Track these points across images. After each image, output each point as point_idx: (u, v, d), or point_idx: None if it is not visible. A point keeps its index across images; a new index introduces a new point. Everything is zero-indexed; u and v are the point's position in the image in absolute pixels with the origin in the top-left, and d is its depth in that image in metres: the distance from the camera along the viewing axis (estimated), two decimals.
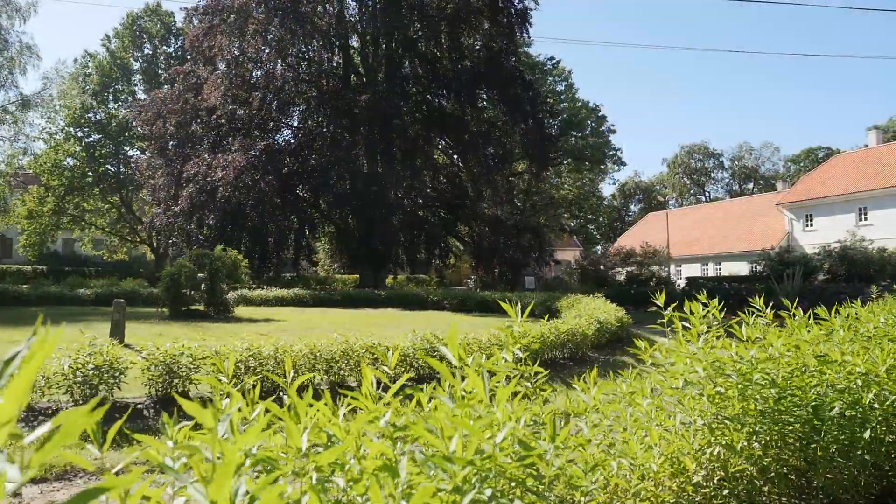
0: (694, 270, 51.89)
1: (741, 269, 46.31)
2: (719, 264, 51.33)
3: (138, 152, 39.79)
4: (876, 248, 27.68)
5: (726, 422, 2.63)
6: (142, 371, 6.52)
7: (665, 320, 3.07)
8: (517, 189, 35.76)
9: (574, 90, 40.60)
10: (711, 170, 77.17)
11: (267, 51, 27.36)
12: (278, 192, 26.53)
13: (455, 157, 30.18)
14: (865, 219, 41.00)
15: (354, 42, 30.28)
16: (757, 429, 2.67)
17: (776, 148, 77.91)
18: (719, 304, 3.04)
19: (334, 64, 29.96)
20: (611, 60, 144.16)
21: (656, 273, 34.10)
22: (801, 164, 70.15)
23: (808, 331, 3.21)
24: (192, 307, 16.19)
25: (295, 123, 29.59)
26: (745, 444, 2.57)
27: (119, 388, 6.46)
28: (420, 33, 28.61)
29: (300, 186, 28.07)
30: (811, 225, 44.91)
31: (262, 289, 22.40)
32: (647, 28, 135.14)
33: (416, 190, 28.76)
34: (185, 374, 6.51)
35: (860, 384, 2.88)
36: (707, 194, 77.50)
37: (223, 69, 27.83)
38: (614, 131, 39.94)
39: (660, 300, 3.30)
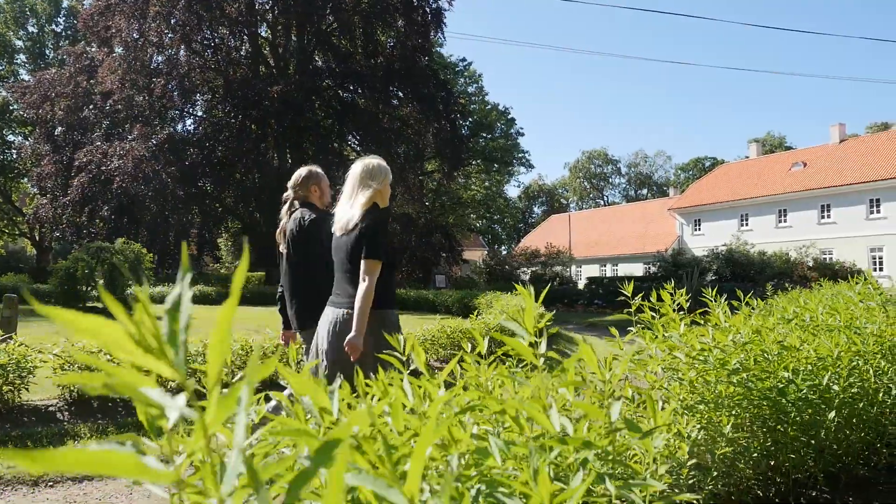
0: (594, 271, 54.21)
1: (636, 270, 48.88)
2: (616, 265, 53.94)
3: (20, 138, 36.60)
4: (757, 252, 29.92)
5: (709, 406, 2.74)
6: (53, 371, 5.99)
7: (632, 310, 3.13)
8: (427, 188, 35.92)
9: (484, 93, 41.39)
10: (610, 175, 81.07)
11: (170, 35, 25.91)
12: (181, 184, 25.24)
13: (368, 153, 29.95)
14: (747, 224, 44.38)
15: (265, 32, 29.32)
16: (734, 412, 2.80)
17: (668, 157, 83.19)
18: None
19: (243, 53, 28.87)
20: (519, 67, 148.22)
21: (560, 273, 35.34)
22: (690, 173, 75.03)
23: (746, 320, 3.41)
24: (89, 304, 15.10)
25: (199, 113, 28.25)
26: (729, 427, 2.69)
27: (27, 389, 5.90)
28: (334, 26, 28.10)
29: (204, 179, 26.84)
30: (699, 229, 48.00)
31: (164, 286, 21.22)
32: (552, 33, 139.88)
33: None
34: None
35: (819, 367, 3.09)
36: (605, 198, 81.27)
37: (121, 52, 26.10)
38: (522, 134, 41.09)
39: (627, 290, 3.35)
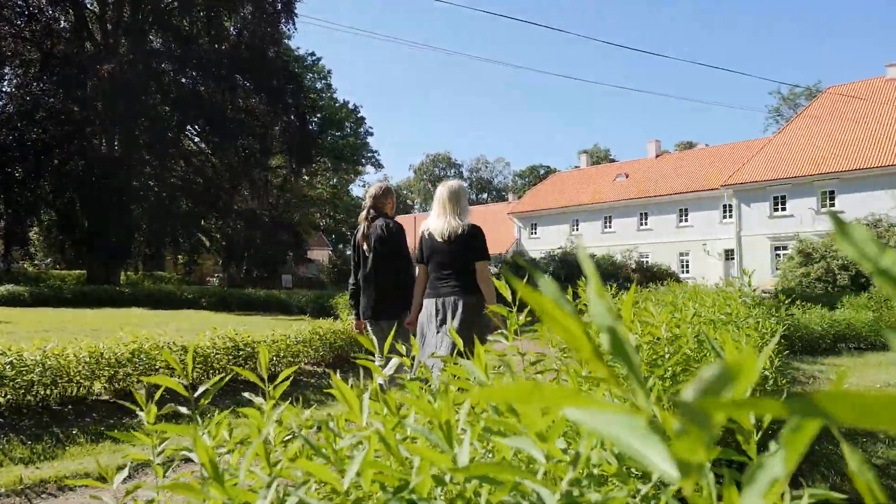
0: None
1: None
2: None
3: None
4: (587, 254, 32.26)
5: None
6: None
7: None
8: (273, 185, 34.56)
9: (332, 90, 40.65)
10: (452, 178, 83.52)
11: None
12: None
13: (210, 145, 28.05)
14: (577, 229, 47.83)
15: (92, 4, 26.44)
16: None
17: (507, 163, 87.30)
18: None
19: (64, 25, 25.79)
20: (368, 67, 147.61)
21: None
22: (527, 179, 79.42)
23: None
24: None
25: (10, 89, 24.75)
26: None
27: None
28: (174, 5, 26.04)
29: (15, 164, 23.61)
30: (535, 233, 50.87)
31: None
32: (400, 30, 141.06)
33: (163, 178, 26.14)
34: None
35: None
36: None
37: None
38: (372, 134, 40.93)
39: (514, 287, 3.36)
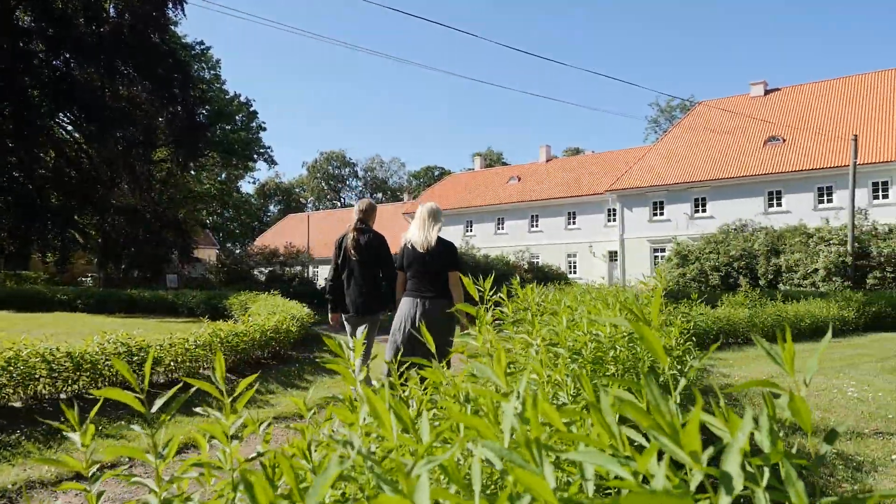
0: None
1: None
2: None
3: None
4: (482, 255, 33.00)
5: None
6: None
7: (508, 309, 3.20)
8: (156, 179, 32.58)
9: (222, 81, 38.88)
10: (347, 177, 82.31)
11: None
12: None
13: (86, 135, 25.96)
14: (471, 230, 48.71)
15: None
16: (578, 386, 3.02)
17: (402, 163, 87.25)
18: None
19: None
20: (260, 58, 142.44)
21: (299, 273, 34.82)
22: (422, 180, 79.86)
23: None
24: None
25: None
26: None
27: None
28: None
29: None
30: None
31: None
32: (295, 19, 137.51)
33: (30, 169, 23.91)
34: None
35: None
36: (342, 200, 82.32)
37: None
38: (264, 129, 39.51)
39: (486, 285, 3.40)
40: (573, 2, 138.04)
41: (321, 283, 36.87)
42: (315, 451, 1.32)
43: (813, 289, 20.02)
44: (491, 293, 3.21)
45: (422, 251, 5.06)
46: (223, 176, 45.64)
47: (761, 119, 37.67)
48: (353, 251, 5.59)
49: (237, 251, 43.11)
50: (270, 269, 34.44)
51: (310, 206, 79.58)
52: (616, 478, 0.58)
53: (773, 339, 9.88)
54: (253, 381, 1.45)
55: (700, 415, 0.49)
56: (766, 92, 41.27)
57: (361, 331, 4.66)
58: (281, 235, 58.53)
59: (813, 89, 39.44)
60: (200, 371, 7.28)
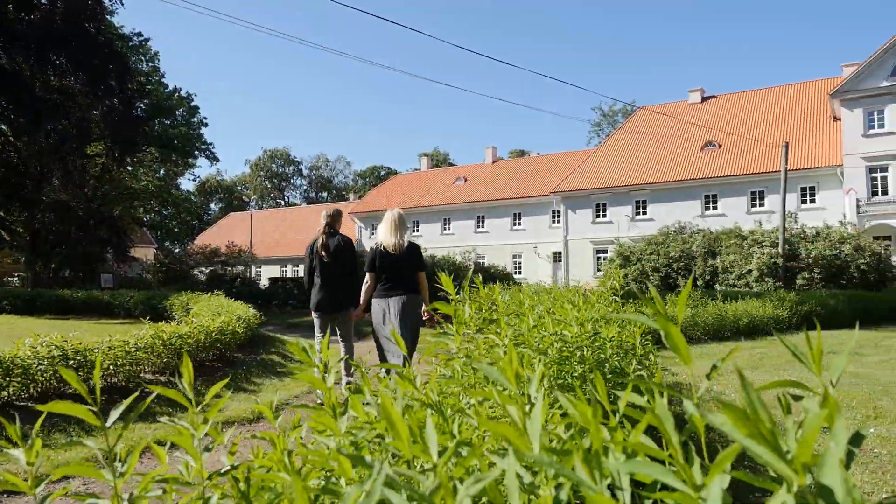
0: (274, 271, 53.56)
1: None
2: (297, 266, 54.14)
3: None
4: (428, 255, 32.98)
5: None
6: None
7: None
8: (90, 174, 31.23)
9: (161, 74, 37.56)
10: (291, 176, 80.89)
11: None
12: None
13: (14, 127, 24.64)
14: (418, 230, 48.64)
15: None
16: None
17: (348, 162, 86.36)
18: None
19: None
20: (201, 52, 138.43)
21: (241, 273, 34.04)
22: (367, 179, 79.24)
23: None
24: None
25: None
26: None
27: None
28: None
29: None
30: (374, 232, 50.99)
31: None
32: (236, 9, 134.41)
33: None
34: None
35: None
36: (286, 199, 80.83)
37: None
38: (206, 124, 38.34)
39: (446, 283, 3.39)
40: (521, 5, 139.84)
41: (265, 283, 36.17)
42: (289, 462, 1.26)
43: (747, 289, 20.82)
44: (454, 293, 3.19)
45: (393, 252, 5.54)
46: (162, 172, 44.11)
47: (699, 125, 39.01)
48: (323, 253, 6.08)
49: (176, 250, 41.73)
50: (211, 268, 33.55)
51: (253, 204, 77.84)
52: (663, 488, 0.55)
53: (714, 338, 10.23)
54: (220, 388, 1.37)
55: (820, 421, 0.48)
56: (703, 99, 42.76)
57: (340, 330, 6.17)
58: (222, 234, 57.10)
59: (747, 97, 41.10)
60: (142, 375, 6.99)
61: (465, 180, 49.42)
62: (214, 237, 55.05)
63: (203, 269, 33.79)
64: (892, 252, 23.24)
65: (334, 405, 1.19)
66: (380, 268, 5.56)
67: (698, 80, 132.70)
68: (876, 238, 27.90)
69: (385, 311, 5.47)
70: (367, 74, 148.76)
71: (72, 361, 6.08)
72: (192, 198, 69.17)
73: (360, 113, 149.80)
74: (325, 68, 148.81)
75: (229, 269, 33.87)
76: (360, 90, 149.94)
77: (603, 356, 2.77)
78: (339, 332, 6.17)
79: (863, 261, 21.20)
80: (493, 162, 50.98)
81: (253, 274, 46.31)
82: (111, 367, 6.48)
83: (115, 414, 1.11)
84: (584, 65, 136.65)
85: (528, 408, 0.86)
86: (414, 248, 5.68)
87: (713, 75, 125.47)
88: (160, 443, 5.10)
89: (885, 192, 31.53)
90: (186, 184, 76.49)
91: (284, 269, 54.97)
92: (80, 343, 6.33)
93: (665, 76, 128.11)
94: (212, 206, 75.90)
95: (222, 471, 1.25)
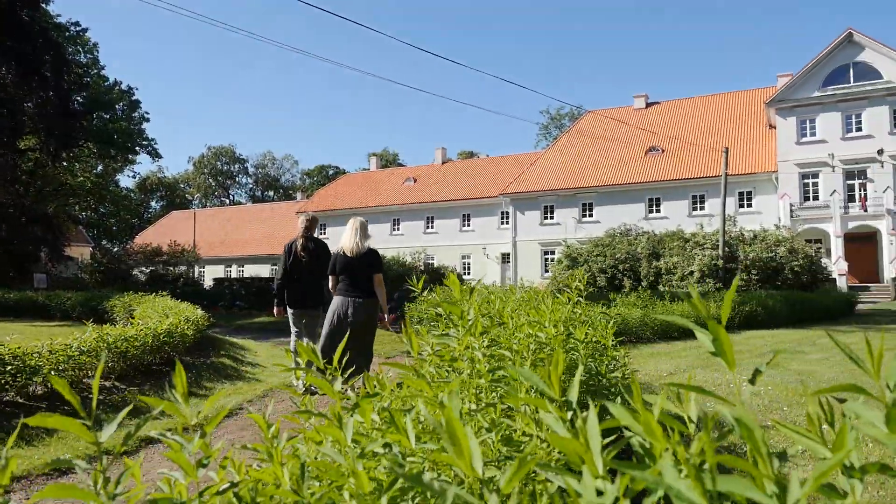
0: (218, 272, 52.25)
1: (264, 271, 48.84)
2: (243, 266, 52.99)
3: None
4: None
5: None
6: None
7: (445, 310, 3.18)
8: (22, 170, 29.79)
9: (101, 66, 36.09)
10: (236, 174, 78.98)
11: None
12: None
13: None
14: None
15: None
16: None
17: (295, 161, 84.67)
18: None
19: None
20: (142, 44, 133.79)
21: (184, 273, 33.11)
22: (315, 179, 78.11)
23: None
24: None
25: None
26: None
27: None
28: None
29: None
30: (325, 233, 50.37)
31: None
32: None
33: None
34: None
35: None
36: (231, 197, 78.88)
37: None
38: (148, 119, 37.00)
39: (418, 285, 3.39)
40: (470, 4, 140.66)
41: (209, 283, 35.26)
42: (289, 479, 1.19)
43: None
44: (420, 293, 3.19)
45: (351, 256, 6.04)
46: (100, 168, 42.48)
47: (643, 129, 40.06)
48: (302, 255, 6.80)
49: (115, 249, 40.21)
50: (152, 268, 32.53)
51: (196, 202, 75.65)
52: None
53: (663, 337, 10.51)
54: (218, 399, 1.29)
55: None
56: (648, 105, 43.95)
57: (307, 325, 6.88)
58: (164, 233, 55.41)
59: (689, 104, 42.45)
60: (85, 380, 6.69)
61: (415, 181, 49.36)
62: (155, 236, 53.32)
63: (144, 269, 32.72)
64: (823, 254, 24.36)
65: (339, 413, 1.14)
66: (339, 270, 6.08)
67: (643, 86, 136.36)
68: (808, 241, 29.23)
69: (339, 310, 6.00)
70: (316, 71, 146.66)
71: (10, 367, 5.76)
72: (132, 195, 66.74)
73: (308, 111, 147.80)
74: (274, 63, 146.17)
75: (171, 269, 32.94)
76: (308, 87, 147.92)
77: (576, 356, 2.79)
78: (306, 326, 6.83)
79: (796, 263, 22.14)
80: (443, 163, 51.09)
81: (196, 274, 45.03)
82: (52, 373, 6.17)
83: (108, 429, 1.01)
84: (532, 67, 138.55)
85: (569, 415, 0.84)
86: (372, 253, 6.12)
87: (657, 82, 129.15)
88: (125, 453, 4.89)
89: (815, 198, 33.10)
90: (126, 180, 73.81)
91: (229, 269, 53.71)
92: (19, 347, 6.00)
93: (611, 82, 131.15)
94: (153, 203, 73.37)
95: (221, 489, 1.15)
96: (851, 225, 31.23)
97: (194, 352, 9.21)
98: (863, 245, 32.04)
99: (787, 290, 18.40)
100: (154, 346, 7.55)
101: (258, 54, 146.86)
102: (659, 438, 0.61)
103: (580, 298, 4.68)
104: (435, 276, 33.10)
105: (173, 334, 8.00)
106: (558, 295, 4.66)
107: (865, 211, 31.21)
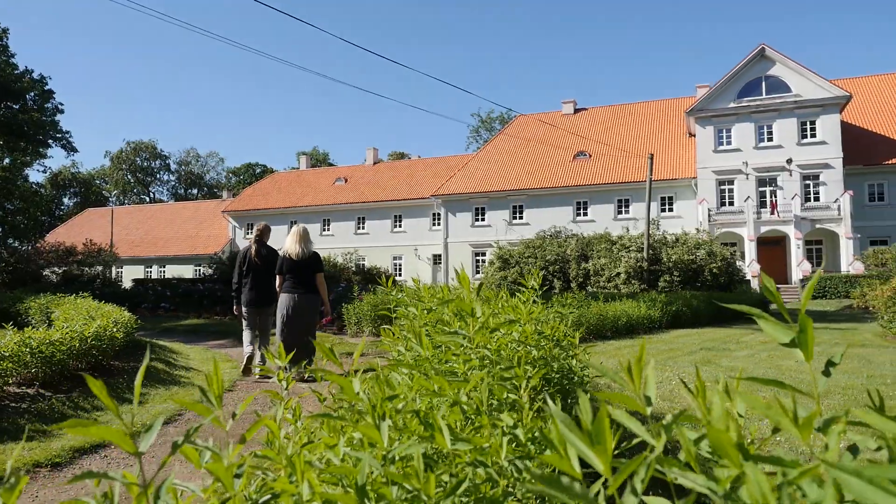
0: (138, 272, 50.01)
1: (187, 272, 47.06)
2: (164, 267, 50.91)
3: None
4: None
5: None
6: None
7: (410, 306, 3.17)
8: None
9: (10, 54, 33.78)
10: (158, 170, 75.70)
11: None
12: None
13: None
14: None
15: None
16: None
17: (221, 158, 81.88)
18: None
19: None
20: (59, 34, 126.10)
21: (101, 274, 31.58)
22: (242, 177, 75.90)
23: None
24: None
25: None
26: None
27: None
28: None
29: None
30: (251, 233, 49.06)
31: None
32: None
33: None
34: None
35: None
36: (152, 195, 75.51)
37: None
38: (62, 111, 34.86)
39: (386, 284, 3.37)
40: (403, 9, 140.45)
41: (128, 284, 33.71)
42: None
43: (616, 290, 22.23)
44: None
45: (296, 259, 7.13)
46: (7, 161, 39.67)
47: (572, 133, 41.15)
48: (257, 260, 7.73)
49: (24, 248, 37.76)
50: (65, 269, 30.87)
51: (113, 200, 71.97)
52: None
53: (598, 337, 10.82)
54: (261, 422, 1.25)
55: None
56: (576, 110, 45.19)
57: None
58: (78, 231, 52.59)
59: (615, 111, 43.93)
60: (6, 388, 6.25)
61: (346, 181, 48.85)
62: (69, 234, 50.53)
63: (56, 269, 31.01)
64: (738, 257, 25.73)
65: (374, 407, 1.11)
66: (286, 271, 7.20)
67: (571, 92, 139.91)
68: (725, 244, 30.82)
69: (287, 305, 7.12)
70: (241, 63, 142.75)
71: None
72: (43, 191, 62.91)
73: (233, 106, 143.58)
74: (198, 52, 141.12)
75: (87, 269, 31.38)
76: (235, 82, 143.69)
77: (547, 356, 2.83)
78: (259, 323, 7.75)
79: (714, 265, 23.30)
80: (375, 163, 50.81)
81: (114, 275, 42.88)
82: None
83: (147, 437, 0.93)
84: (463, 70, 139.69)
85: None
86: (314, 256, 7.27)
87: (585, 89, 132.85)
88: (38, 465, 4.59)
89: (731, 203, 34.93)
90: (36, 175, 69.49)
91: (150, 270, 51.48)
92: None
93: (541, 86, 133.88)
94: (65, 200, 69.28)
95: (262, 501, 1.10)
96: (763, 229, 33.13)
97: (123, 356, 8.78)
98: (773, 248, 34.05)
99: (707, 291, 19.32)
100: (81, 351, 7.15)
101: (178, 44, 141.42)
102: (802, 431, 0.64)
103: (535, 299, 4.78)
104: (368, 277, 32.88)
105: (101, 338, 7.59)
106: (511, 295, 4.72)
107: (776, 216, 33.20)
